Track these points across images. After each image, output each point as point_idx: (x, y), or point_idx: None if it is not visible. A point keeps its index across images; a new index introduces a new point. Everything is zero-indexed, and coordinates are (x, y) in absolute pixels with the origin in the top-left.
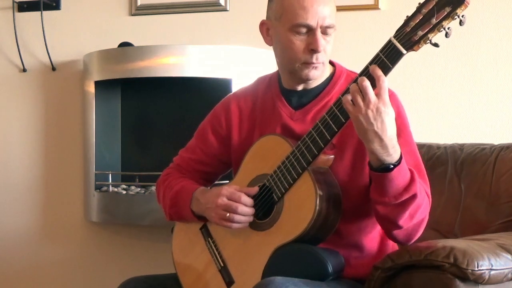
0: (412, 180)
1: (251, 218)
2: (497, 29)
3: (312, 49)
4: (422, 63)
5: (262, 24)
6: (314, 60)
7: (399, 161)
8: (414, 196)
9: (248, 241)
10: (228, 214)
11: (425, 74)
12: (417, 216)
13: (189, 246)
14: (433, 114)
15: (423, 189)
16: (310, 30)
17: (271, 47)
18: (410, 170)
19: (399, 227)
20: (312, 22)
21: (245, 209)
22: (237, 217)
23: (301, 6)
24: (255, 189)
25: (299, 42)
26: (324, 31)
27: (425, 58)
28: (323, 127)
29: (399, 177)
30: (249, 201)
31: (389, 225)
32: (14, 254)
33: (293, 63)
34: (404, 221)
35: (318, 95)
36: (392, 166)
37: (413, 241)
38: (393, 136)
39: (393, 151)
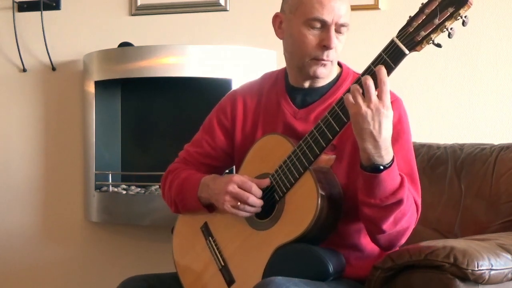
0: (401, 185)
1: (259, 209)
2: (497, 29)
3: (324, 45)
4: (422, 63)
5: (276, 17)
6: (324, 57)
7: (390, 164)
8: (400, 202)
9: (249, 241)
10: (238, 203)
11: (425, 74)
12: (401, 223)
13: (190, 245)
14: (433, 114)
15: (411, 197)
16: (324, 26)
17: (272, 49)
18: (401, 175)
19: (382, 232)
20: (327, 17)
21: (255, 199)
22: (246, 207)
23: (319, 0)
24: (266, 181)
25: (311, 37)
26: (338, 29)
27: (425, 58)
28: (325, 126)
29: (388, 180)
30: (259, 192)
31: (373, 228)
32: (14, 254)
33: (303, 57)
34: (388, 225)
35: (323, 95)
36: (382, 168)
37: (395, 248)
38: (387, 139)
39: (385, 153)
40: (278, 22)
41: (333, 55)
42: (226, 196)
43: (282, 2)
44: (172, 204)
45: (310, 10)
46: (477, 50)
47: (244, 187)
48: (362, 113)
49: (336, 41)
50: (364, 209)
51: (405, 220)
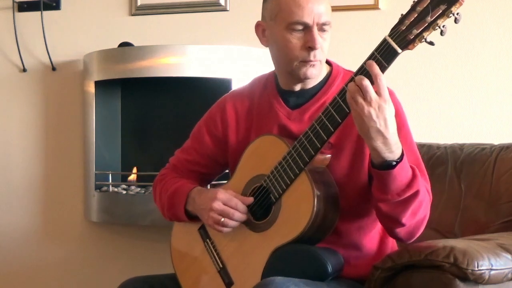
0: (414, 176)
1: (238, 223)
2: (497, 29)
3: (310, 47)
4: (422, 63)
5: (258, 26)
6: (311, 58)
7: (401, 158)
8: (416, 193)
9: (247, 242)
10: (222, 219)
11: (425, 74)
12: (419, 213)
13: (188, 247)
14: (433, 114)
15: (424, 186)
16: (307, 28)
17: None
18: (411, 167)
19: (402, 225)
20: (308, 19)
21: (240, 215)
22: (231, 223)
23: (297, 4)
24: (250, 199)
25: (295, 40)
26: (321, 28)
27: (425, 58)
28: (319, 127)
29: (402, 174)
30: (244, 209)
31: (392, 223)
32: (14, 254)
33: (291, 62)
34: (407, 218)
35: (315, 95)
36: (394, 163)
37: (414, 238)
38: (395, 133)
39: (395, 148)
40: (261, 30)
41: (320, 55)
42: (211, 213)
43: (262, 10)
44: (165, 216)
45: (290, 14)
46: (477, 50)
47: (229, 204)
48: (366, 114)
49: (321, 40)
50: (382, 206)
51: (422, 210)
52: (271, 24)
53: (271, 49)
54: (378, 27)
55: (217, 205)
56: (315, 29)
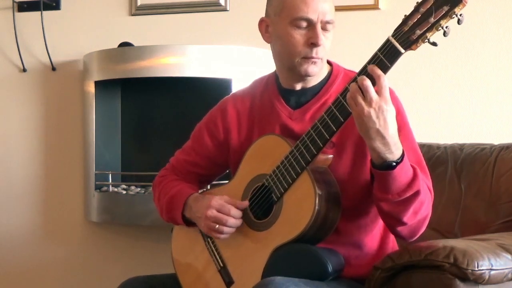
0: (414, 176)
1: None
2: (497, 29)
3: (312, 43)
4: (422, 63)
5: (261, 22)
6: (313, 54)
7: (401, 159)
8: (417, 193)
9: (248, 241)
10: (217, 226)
11: (425, 74)
12: (421, 213)
13: (189, 246)
14: (433, 114)
15: (425, 185)
16: (311, 25)
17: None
18: (412, 166)
19: (404, 224)
20: (312, 16)
21: (234, 221)
22: (226, 229)
23: (302, 0)
24: (245, 204)
25: (299, 36)
26: (324, 27)
27: (425, 58)
28: (321, 126)
29: (402, 174)
30: (238, 214)
31: (393, 222)
32: (14, 254)
33: (293, 58)
34: (408, 217)
35: (317, 94)
36: (394, 164)
37: (416, 236)
38: (395, 134)
39: (395, 149)
40: (264, 26)
41: (322, 52)
42: (205, 221)
43: (267, 6)
44: (164, 218)
45: (295, 10)
46: (477, 50)
47: (223, 211)
48: (365, 114)
49: (324, 38)
50: (382, 205)
51: (423, 209)
52: (276, 19)
53: (273, 46)
54: (378, 27)
55: (211, 212)
56: (318, 26)
